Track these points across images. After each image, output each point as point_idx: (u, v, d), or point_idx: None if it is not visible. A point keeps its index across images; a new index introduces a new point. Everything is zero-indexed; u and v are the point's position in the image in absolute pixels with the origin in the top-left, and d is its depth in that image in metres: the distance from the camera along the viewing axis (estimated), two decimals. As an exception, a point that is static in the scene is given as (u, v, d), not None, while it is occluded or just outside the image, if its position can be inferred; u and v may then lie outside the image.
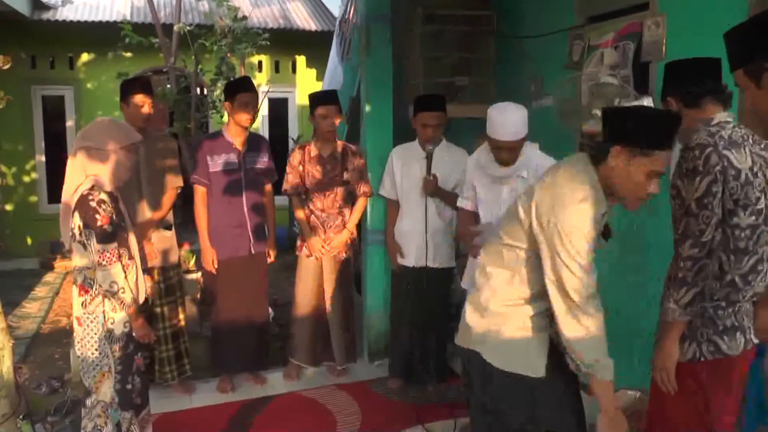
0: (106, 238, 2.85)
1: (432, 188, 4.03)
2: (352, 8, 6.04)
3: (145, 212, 4.17)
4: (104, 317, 2.95)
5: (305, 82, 10.38)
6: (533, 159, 3.33)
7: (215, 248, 4.28)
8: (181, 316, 4.39)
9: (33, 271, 8.59)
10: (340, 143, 4.40)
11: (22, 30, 8.93)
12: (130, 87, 4.15)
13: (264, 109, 10.08)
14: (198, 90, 7.29)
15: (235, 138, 4.28)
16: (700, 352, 2.27)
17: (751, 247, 2.16)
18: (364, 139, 4.63)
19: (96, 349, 2.96)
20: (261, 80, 9.95)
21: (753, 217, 2.14)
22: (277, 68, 10.41)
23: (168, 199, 4.27)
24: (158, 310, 4.26)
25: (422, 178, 4.09)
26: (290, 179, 4.38)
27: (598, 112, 3.41)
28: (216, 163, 4.24)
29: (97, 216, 2.82)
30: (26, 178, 9.66)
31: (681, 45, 3.41)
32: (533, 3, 4.61)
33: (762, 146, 2.22)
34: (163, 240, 4.26)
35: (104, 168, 2.94)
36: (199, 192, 4.28)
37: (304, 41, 10.04)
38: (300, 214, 4.43)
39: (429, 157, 3.98)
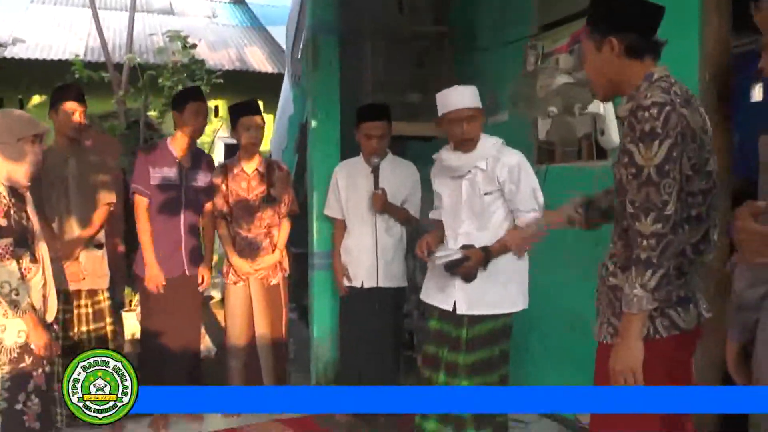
0: (2, 231, 2.56)
1: (381, 203, 3.79)
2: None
3: (73, 229, 3.88)
4: None
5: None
6: (490, 149, 3.14)
7: (144, 266, 3.95)
8: (111, 347, 4.04)
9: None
10: (264, 158, 4.20)
11: (-32, 70, 8.66)
12: (60, 94, 3.95)
13: (220, 155, 9.86)
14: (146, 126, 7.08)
15: (180, 151, 4.02)
16: (654, 328, 1.98)
17: (704, 214, 1.96)
18: (311, 156, 4.42)
19: None
20: (217, 125, 9.76)
21: (704, 181, 1.94)
22: (234, 113, 10.17)
23: (99, 215, 3.97)
24: (84, 337, 3.91)
25: (368, 194, 3.86)
26: (217, 202, 4.12)
27: (554, 110, 3.25)
28: (156, 176, 3.96)
29: None
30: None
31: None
32: (488, 16, 4.51)
33: (698, 101, 2.04)
34: (92, 260, 3.95)
35: (7, 163, 2.66)
36: (142, 204, 3.96)
37: (262, 85, 9.89)
38: (225, 234, 4.15)
39: (375, 170, 3.78)
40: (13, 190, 2.69)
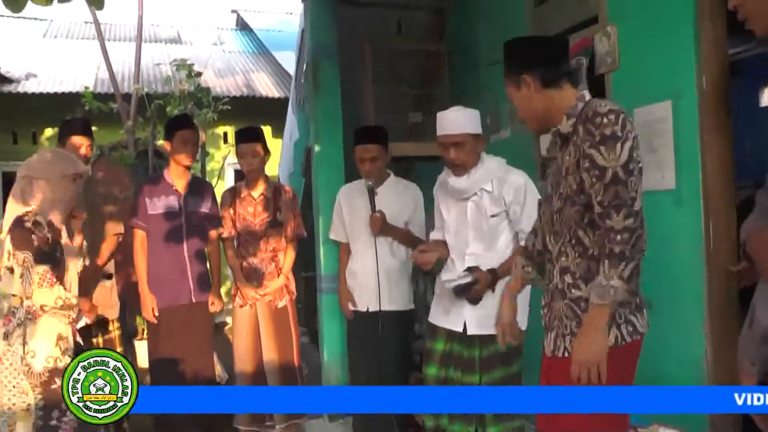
0: (45, 258, 2.72)
1: (378, 225, 3.75)
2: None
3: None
4: (24, 351, 2.71)
5: (272, 152, 10.21)
6: (495, 171, 3.15)
7: (153, 295, 3.99)
8: (122, 375, 4.06)
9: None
10: (271, 183, 4.24)
11: (-17, 104, 8.79)
12: (68, 128, 4.02)
13: (230, 181, 9.92)
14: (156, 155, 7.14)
15: (177, 180, 4.08)
16: (620, 335, 2.05)
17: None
18: (315, 179, 4.44)
19: (13, 387, 2.72)
20: (226, 151, 9.82)
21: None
22: (243, 139, 10.22)
23: (107, 246, 4.01)
24: (96, 367, 3.93)
25: (368, 217, 3.83)
26: (225, 225, 4.18)
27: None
28: (155, 206, 4.01)
29: (34, 236, 2.70)
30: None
31: (634, 51, 3.27)
32: (486, 33, 4.52)
33: None
34: (101, 290, 3.97)
35: (46, 199, 2.82)
36: (139, 236, 4.04)
37: (270, 110, 9.93)
38: (232, 258, 4.19)
39: (370, 193, 3.76)
40: (50, 223, 2.81)
